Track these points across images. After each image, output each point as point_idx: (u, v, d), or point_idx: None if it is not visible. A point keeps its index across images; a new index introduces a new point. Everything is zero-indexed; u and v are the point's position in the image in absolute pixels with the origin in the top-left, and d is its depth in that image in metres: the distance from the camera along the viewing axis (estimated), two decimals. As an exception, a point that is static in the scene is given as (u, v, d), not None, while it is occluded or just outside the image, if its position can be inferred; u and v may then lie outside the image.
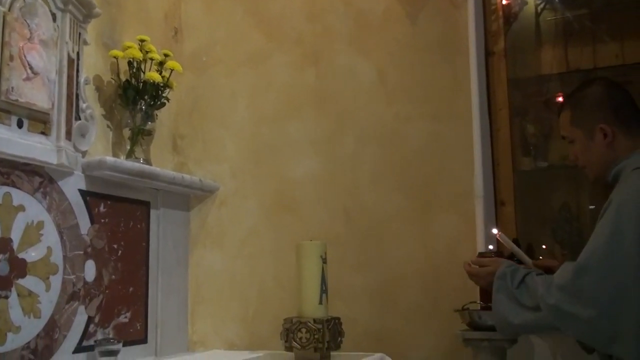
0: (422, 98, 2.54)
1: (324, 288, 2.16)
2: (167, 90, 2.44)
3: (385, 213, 2.53)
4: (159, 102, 2.41)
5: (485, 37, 2.63)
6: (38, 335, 1.93)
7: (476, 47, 2.55)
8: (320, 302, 2.14)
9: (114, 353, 2.07)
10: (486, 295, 2.30)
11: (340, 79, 2.65)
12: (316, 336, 2.09)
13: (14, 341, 1.84)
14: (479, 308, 2.16)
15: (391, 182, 2.54)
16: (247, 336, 2.58)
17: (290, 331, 2.12)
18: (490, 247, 2.20)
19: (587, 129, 1.80)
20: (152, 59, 2.39)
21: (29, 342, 1.89)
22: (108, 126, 2.37)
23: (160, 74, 2.40)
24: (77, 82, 2.14)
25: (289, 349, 2.13)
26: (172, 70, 2.44)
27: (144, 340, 2.36)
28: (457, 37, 2.53)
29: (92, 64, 2.30)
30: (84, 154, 2.17)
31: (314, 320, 2.10)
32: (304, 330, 2.10)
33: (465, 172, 2.45)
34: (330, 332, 2.12)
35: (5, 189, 1.87)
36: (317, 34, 2.69)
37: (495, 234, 2.10)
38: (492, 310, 1.77)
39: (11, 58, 1.87)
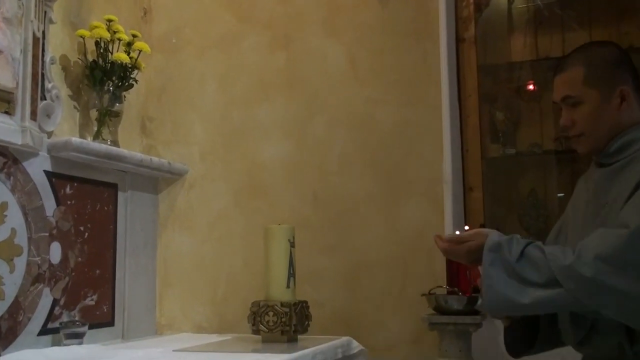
0: (392, 83, 2.55)
1: (291, 272, 2.17)
2: (136, 71, 2.41)
3: (355, 197, 2.54)
4: (126, 84, 2.38)
5: (456, 23, 2.65)
6: (1, 317, 1.90)
7: (447, 33, 2.57)
8: (288, 286, 2.15)
9: (80, 335, 2.06)
10: (455, 278, 2.33)
11: (311, 63, 2.65)
12: (283, 319, 2.10)
13: (-24, 323, 1.82)
14: (446, 292, 2.19)
15: (361, 166, 2.54)
16: (215, 319, 2.58)
17: (258, 314, 2.13)
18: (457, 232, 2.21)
19: (605, 90, 1.60)
20: (119, 40, 2.36)
21: (-8, 324, 1.87)
22: (75, 107, 2.33)
23: (129, 54, 2.37)
24: (43, 62, 2.11)
25: (257, 332, 2.13)
26: (140, 51, 2.41)
27: (110, 323, 2.34)
28: (428, 22, 2.54)
29: (59, 44, 2.26)
30: (49, 134, 2.14)
31: (281, 304, 2.11)
32: (271, 313, 2.11)
33: (434, 158, 2.47)
34: (297, 316, 2.13)
35: (-32, 169, 1.84)
36: (289, 16, 2.68)
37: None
38: (484, 289, 1.50)
39: (-27, 36, 1.83)
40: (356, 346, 2.21)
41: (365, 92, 2.58)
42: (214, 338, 2.36)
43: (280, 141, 2.63)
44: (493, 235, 1.52)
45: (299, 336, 2.17)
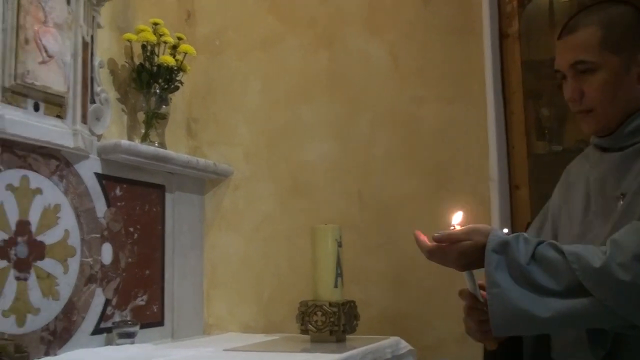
0: (435, 80, 2.53)
1: (339, 271, 2.17)
2: (181, 73, 2.44)
3: (400, 196, 2.52)
4: (172, 86, 2.41)
5: (500, 19, 2.61)
6: (57, 317, 1.94)
7: (490, 29, 2.53)
8: (336, 286, 2.15)
9: (132, 335, 2.09)
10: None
11: (354, 62, 2.64)
12: (332, 319, 2.10)
13: (33, 322, 1.85)
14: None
15: (405, 165, 2.53)
16: (262, 319, 2.59)
17: (306, 314, 2.13)
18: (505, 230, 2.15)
19: (626, 57, 1.34)
20: (165, 43, 2.39)
21: (48, 324, 1.91)
22: (123, 110, 2.37)
23: (174, 57, 2.40)
24: (92, 66, 2.14)
25: (305, 332, 2.14)
26: (185, 53, 2.43)
27: (160, 322, 2.37)
28: (471, 18, 2.51)
29: (106, 48, 2.30)
30: (99, 137, 2.18)
31: (330, 304, 2.11)
32: (319, 313, 2.11)
33: (479, 156, 2.44)
34: (345, 316, 2.13)
35: (23, 172, 1.88)
36: (330, 16, 2.68)
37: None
38: (490, 300, 1.21)
39: (26, 41, 1.87)
40: (405, 346, 2.20)
41: (408, 90, 2.56)
42: (262, 338, 2.36)
43: (324, 141, 2.63)
44: (496, 233, 1.25)
45: (347, 336, 2.16)
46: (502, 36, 2.61)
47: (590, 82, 1.36)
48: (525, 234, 1.26)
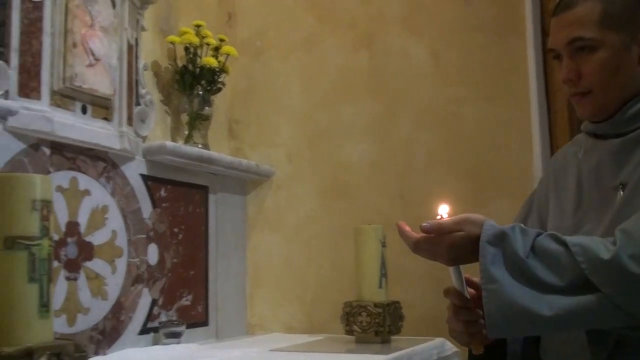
0: (477, 79, 2.50)
1: (383, 272, 2.16)
2: (223, 75, 2.45)
3: (442, 197, 2.44)
4: (215, 87, 2.42)
5: (542, 17, 2.57)
6: (105, 316, 1.96)
7: (533, 27, 2.50)
8: (380, 286, 2.14)
9: (178, 335, 2.10)
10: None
11: (394, 62, 2.63)
12: (377, 320, 2.09)
13: (83, 322, 1.88)
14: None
15: (447, 165, 2.51)
16: (305, 320, 2.59)
17: (351, 315, 2.13)
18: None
19: (627, 35, 1.23)
20: (208, 44, 2.40)
21: (97, 324, 1.93)
22: (166, 111, 2.39)
23: (216, 59, 2.41)
24: (136, 68, 2.17)
25: (350, 332, 2.13)
26: (227, 55, 2.44)
27: (205, 322, 2.39)
28: (513, 16, 2.48)
29: (150, 50, 2.32)
30: (143, 139, 2.20)
31: (374, 304, 2.10)
32: (364, 314, 2.10)
33: (522, 155, 2.41)
34: (390, 316, 2.12)
35: (72, 173, 1.91)
36: (371, 16, 2.67)
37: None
38: (486, 297, 1.09)
39: (74, 45, 1.90)
40: (450, 347, 2.18)
41: (449, 90, 2.54)
42: (306, 338, 2.36)
43: (364, 141, 2.62)
44: (491, 223, 1.12)
45: (392, 337, 2.15)
46: (544, 34, 2.58)
47: (588, 61, 1.23)
48: (522, 225, 1.13)
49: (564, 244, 1.08)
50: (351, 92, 2.66)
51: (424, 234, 1.16)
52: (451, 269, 1.19)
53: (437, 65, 2.57)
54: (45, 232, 1.06)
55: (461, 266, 1.20)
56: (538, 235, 1.11)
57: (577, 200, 1.30)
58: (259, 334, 2.59)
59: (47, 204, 1.06)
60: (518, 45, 2.47)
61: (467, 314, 1.21)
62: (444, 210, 1.21)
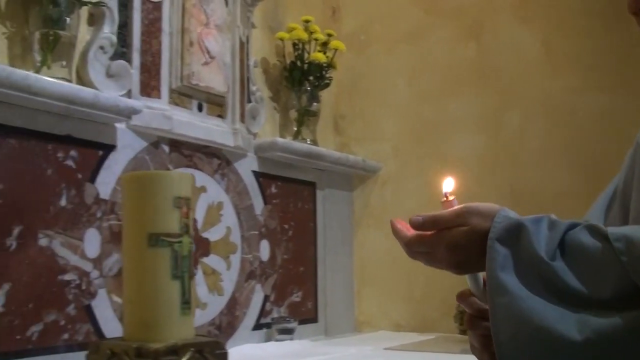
0: (591, 69, 2.38)
1: (499, 269, 2.08)
2: (331, 70, 2.43)
3: (554, 192, 2.39)
4: (323, 83, 2.41)
5: (664, 0, 2.42)
6: (222, 312, 1.99)
7: (655, 11, 2.36)
8: (496, 284, 2.07)
9: (291, 331, 2.11)
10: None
11: (503, 52, 2.53)
12: (493, 319, 2.02)
13: (201, 317, 1.91)
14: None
15: (560, 159, 2.40)
16: (413, 318, 2.54)
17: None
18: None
19: None
20: (316, 40, 2.39)
21: (214, 319, 1.96)
22: (275, 108, 2.40)
23: (324, 54, 2.40)
24: (247, 66, 2.18)
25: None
26: (335, 50, 2.42)
27: (314, 319, 2.38)
28: (631, 0, 2.34)
29: (259, 47, 2.33)
30: (254, 135, 2.21)
31: (491, 303, 2.03)
32: (480, 312, 2.04)
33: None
34: (508, 315, 2.04)
35: (189, 171, 1.94)
36: (478, 5, 2.58)
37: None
38: (494, 312, 0.82)
39: (191, 44, 1.92)
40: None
41: (562, 81, 2.43)
42: (416, 337, 2.32)
43: (473, 135, 2.54)
44: (505, 213, 0.86)
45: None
46: (667, 18, 2.43)
47: None
48: (553, 216, 0.85)
49: (604, 237, 0.78)
50: (459, 85, 2.59)
51: (416, 232, 0.91)
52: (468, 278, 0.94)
53: (548, 54, 2.47)
54: (185, 229, 1.06)
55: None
56: (571, 227, 0.82)
57: None
58: (367, 331, 2.57)
59: (187, 201, 1.07)
60: (636, 31, 2.33)
61: (486, 326, 0.88)
62: (449, 186, 0.98)
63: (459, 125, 2.57)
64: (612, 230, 0.78)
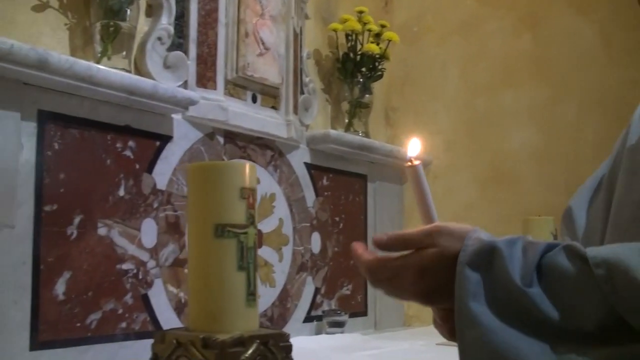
0: (651, 60, 2.31)
1: (554, 266, 2.04)
2: (384, 61, 2.41)
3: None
4: (375, 74, 2.39)
5: None
6: (273, 303, 1.99)
7: None
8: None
9: (342, 324, 2.10)
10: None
11: (560, 43, 2.47)
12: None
13: (255, 309, 1.91)
14: None
15: (617, 153, 2.33)
16: (463, 313, 2.51)
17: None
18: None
19: None
20: (369, 31, 2.36)
21: (266, 310, 1.96)
22: (326, 100, 2.38)
23: (377, 45, 2.37)
24: (301, 57, 2.17)
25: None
26: (389, 41, 2.40)
27: (364, 312, 2.37)
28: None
29: (312, 39, 2.31)
30: (306, 127, 2.20)
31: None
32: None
33: None
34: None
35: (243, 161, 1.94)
36: (534, -4, 2.53)
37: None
38: (463, 348, 0.73)
39: (246, 34, 1.92)
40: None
41: (620, 73, 2.35)
42: (467, 332, 2.28)
43: (527, 128, 2.49)
44: (476, 235, 0.78)
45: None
46: None
47: None
48: (529, 237, 0.77)
49: (583, 260, 0.69)
50: (513, 77, 2.54)
51: (377, 257, 0.81)
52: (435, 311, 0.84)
53: (606, 46, 2.40)
54: (251, 220, 1.06)
55: None
56: (549, 249, 0.73)
57: None
58: (416, 326, 2.54)
59: (252, 192, 1.06)
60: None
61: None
62: (414, 149, 0.86)
63: (512, 119, 2.52)
64: (592, 254, 0.70)
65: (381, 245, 0.81)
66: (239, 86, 1.93)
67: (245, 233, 1.05)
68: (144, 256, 1.63)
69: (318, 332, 2.12)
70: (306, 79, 2.18)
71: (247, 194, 1.05)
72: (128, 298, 1.59)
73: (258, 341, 1.00)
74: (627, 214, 0.84)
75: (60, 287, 1.45)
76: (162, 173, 1.69)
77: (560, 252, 0.72)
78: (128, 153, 1.62)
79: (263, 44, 1.97)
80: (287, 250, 2.06)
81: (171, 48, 1.72)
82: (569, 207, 0.79)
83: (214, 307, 1.03)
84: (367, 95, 2.37)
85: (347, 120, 2.35)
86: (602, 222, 0.89)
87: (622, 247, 0.70)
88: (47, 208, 1.44)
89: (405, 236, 0.81)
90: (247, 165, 1.06)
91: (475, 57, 2.61)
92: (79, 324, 1.48)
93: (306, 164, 2.17)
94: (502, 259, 0.73)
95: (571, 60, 2.45)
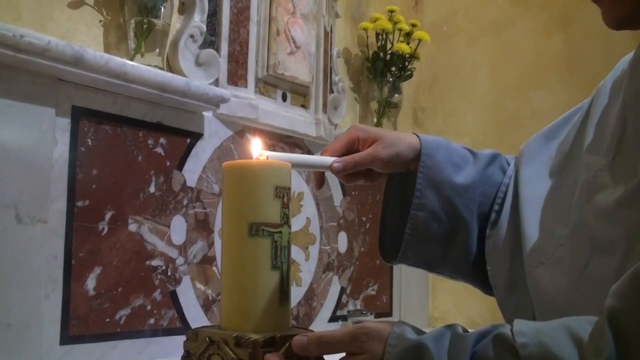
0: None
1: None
2: (414, 61, 2.39)
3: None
4: (405, 74, 2.37)
5: None
6: (299, 302, 1.99)
7: None
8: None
9: (368, 325, 2.09)
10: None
11: (592, 44, 2.44)
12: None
13: (281, 307, 1.91)
14: None
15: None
16: (489, 315, 2.48)
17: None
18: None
19: None
20: (400, 30, 2.35)
21: (292, 309, 1.95)
22: (355, 99, 2.38)
23: (407, 44, 2.36)
24: (331, 56, 2.16)
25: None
26: (419, 40, 2.38)
27: (389, 313, 2.36)
28: None
29: (342, 37, 2.31)
30: (335, 126, 2.20)
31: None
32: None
33: None
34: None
35: (272, 160, 1.93)
36: (566, -5, 2.50)
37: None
38: None
39: (277, 33, 1.92)
40: None
41: (655, 74, 2.32)
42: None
43: (558, 130, 2.46)
44: (399, 332, 0.73)
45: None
46: None
47: None
48: (460, 326, 0.73)
49: (512, 352, 0.65)
50: (544, 78, 2.51)
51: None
52: None
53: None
54: (285, 219, 1.05)
55: None
56: (479, 339, 0.69)
57: (617, 133, 0.85)
58: (441, 327, 2.53)
59: (287, 191, 1.05)
60: None
61: None
62: (257, 148, 0.91)
63: (542, 120, 2.45)
64: (523, 340, 0.64)
65: (302, 349, 0.76)
66: (270, 84, 1.93)
67: (280, 232, 1.04)
68: (173, 253, 1.64)
69: (343, 332, 2.11)
70: (335, 78, 2.18)
71: (282, 193, 1.05)
72: (157, 294, 1.60)
73: (291, 341, 1.00)
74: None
75: (90, 282, 1.46)
76: (192, 170, 1.70)
77: (490, 344, 0.67)
78: (159, 150, 1.63)
79: (294, 42, 1.96)
80: (314, 250, 2.06)
81: (203, 46, 1.73)
82: (494, 325, 0.75)
83: (247, 306, 1.02)
84: (396, 95, 2.36)
85: (375, 120, 2.34)
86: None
87: (552, 333, 0.65)
88: (79, 203, 1.44)
89: (330, 340, 0.75)
90: (282, 165, 1.05)
91: (506, 58, 2.58)
92: (108, 320, 1.49)
93: (334, 163, 2.16)
94: (430, 357, 0.69)
95: (603, 61, 2.41)
